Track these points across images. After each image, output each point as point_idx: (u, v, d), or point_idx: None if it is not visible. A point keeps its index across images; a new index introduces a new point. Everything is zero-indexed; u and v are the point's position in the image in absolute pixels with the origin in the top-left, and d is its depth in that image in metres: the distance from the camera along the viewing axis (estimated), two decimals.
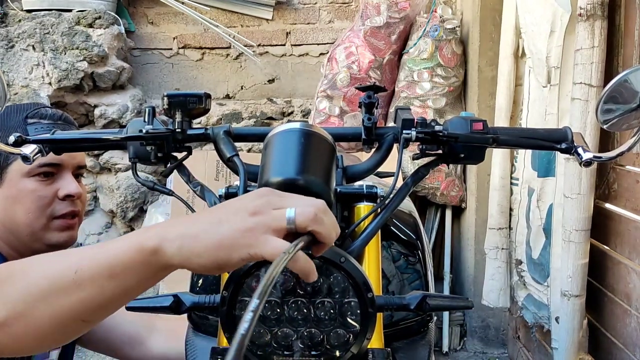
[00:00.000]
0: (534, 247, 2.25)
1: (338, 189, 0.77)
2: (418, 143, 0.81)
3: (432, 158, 0.83)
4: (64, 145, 0.86)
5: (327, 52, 3.11)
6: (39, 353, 1.06)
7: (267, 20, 3.42)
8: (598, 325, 2.01)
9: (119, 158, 3.11)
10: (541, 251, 2.20)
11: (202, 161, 2.72)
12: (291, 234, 0.56)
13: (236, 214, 0.56)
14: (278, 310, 0.71)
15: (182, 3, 3.28)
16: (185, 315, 0.94)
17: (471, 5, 2.85)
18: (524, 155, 2.34)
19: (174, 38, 3.46)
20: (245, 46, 3.33)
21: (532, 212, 2.25)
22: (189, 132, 0.81)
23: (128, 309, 0.72)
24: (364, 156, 0.98)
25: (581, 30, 1.83)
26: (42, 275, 0.61)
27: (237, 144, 0.81)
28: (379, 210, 0.77)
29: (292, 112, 3.37)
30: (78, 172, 1.15)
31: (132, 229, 3.19)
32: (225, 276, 0.71)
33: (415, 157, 0.84)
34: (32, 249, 1.07)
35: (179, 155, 0.85)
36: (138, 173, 0.86)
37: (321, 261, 0.68)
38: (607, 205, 1.97)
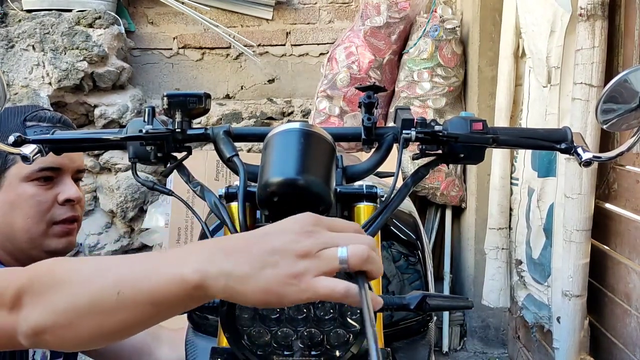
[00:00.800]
0: (534, 247, 2.25)
1: (338, 189, 0.77)
2: (418, 143, 0.81)
3: (432, 158, 0.83)
4: (63, 145, 0.86)
5: (327, 52, 3.10)
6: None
7: (267, 20, 3.42)
8: (598, 325, 2.01)
9: (119, 158, 3.11)
10: (542, 251, 2.20)
11: (202, 161, 2.72)
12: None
13: (283, 257, 0.54)
14: (278, 310, 0.71)
15: (182, 3, 3.28)
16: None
17: (471, 5, 2.85)
18: (524, 155, 2.34)
19: (174, 38, 3.46)
20: (245, 46, 3.33)
21: (532, 212, 2.25)
22: (189, 132, 0.81)
23: None
24: (364, 156, 0.98)
25: (581, 30, 1.83)
26: (85, 292, 0.61)
27: (237, 144, 0.81)
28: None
29: (292, 112, 3.37)
30: (77, 176, 1.13)
31: (132, 229, 3.19)
32: None
33: (415, 157, 0.84)
34: (30, 256, 1.05)
35: (179, 155, 0.84)
36: (138, 173, 0.86)
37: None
38: (607, 205, 1.97)
